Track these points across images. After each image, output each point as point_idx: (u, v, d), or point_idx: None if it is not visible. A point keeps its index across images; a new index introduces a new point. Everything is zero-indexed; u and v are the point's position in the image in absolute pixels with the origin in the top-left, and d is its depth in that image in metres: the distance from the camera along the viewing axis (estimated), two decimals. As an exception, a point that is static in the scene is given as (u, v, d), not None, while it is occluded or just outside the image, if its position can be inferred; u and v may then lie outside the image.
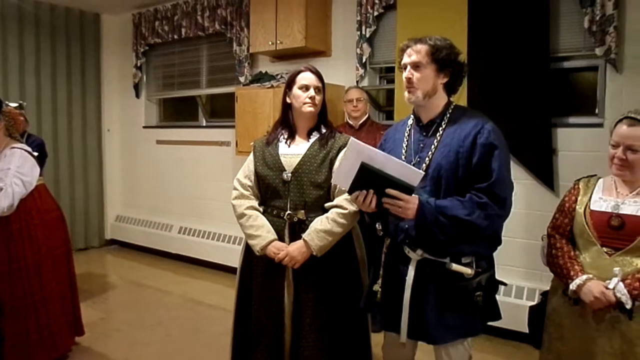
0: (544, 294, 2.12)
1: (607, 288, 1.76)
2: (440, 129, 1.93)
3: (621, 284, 1.74)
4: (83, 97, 5.96)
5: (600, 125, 3.23)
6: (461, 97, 3.30)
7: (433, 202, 1.82)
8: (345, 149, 1.96)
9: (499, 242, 1.96)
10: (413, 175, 1.78)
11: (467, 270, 1.85)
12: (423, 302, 1.89)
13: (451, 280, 1.86)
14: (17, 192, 2.73)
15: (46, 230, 3.00)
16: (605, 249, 1.84)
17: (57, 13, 5.64)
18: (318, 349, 2.21)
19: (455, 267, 1.85)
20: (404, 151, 1.99)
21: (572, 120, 3.43)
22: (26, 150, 2.90)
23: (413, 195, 1.80)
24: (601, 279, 1.80)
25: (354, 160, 1.78)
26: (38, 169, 2.94)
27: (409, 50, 1.93)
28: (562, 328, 1.94)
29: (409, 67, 1.92)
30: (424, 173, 1.83)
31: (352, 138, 1.86)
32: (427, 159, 1.91)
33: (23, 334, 2.86)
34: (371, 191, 1.83)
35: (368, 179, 1.80)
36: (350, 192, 1.88)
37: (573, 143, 3.33)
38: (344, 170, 1.85)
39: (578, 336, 1.88)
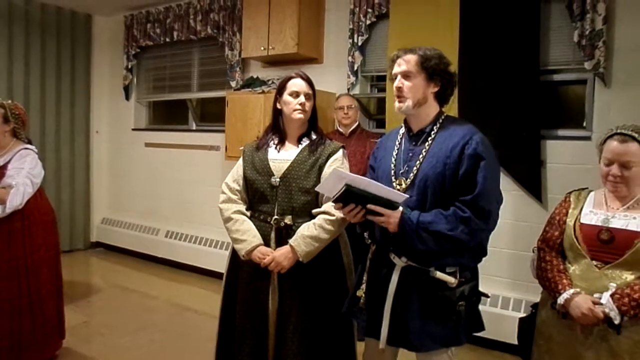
0: (535, 306, 2.12)
1: (596, 303, 1.75)
2: (430, 138, 1.94)
3: (610, 299, 1.73)
4: (72, 97, 5.89)
5: (588, 138, 3.26)
6: (452, 108, 3.31)
7: (416, 217, 1.82)
8: (330, 170, 2.05)
9: (484, 254, 1.96)
10: (397, 196, 1.81)
11: (451, 279, 1.85)
12: (405, 309, 1.89)
13: (434, 289, 1.86)
14: (27, 192, 2.84)
15: (45, 232, 3.03)
16: (595, 262, 1.84)
17: (48, 12, 5.59)
18: (301, 355, 2.18)
19: (439, 275, 1.85)
20: (393, 159, 1.99)
21: (561, 132, 3.46)
22: (36, 153, 3.01)
23: (397, 210, 1.82)
24: (590, 292, 1.80)
25: (338, 182, 1.79)
26: (43, 172, 3.02)
27: (399, 60, 1.95)
28: (551, 341, 1.94)
29: (399, 77, 1.94)
30: (407, 197, 1.83)
31: (334, 168, 1.83)
32: (414, 168, 1.91)
33: (17, 333, 2.85)
34: (359, 207, 1.84)
35: (353, 196, 1.81)
36: (334, 201, 1.89)
37: (561, 155, 3.36)
38: (328, 185, 1.87)
39: (566, 349, 1.87)
